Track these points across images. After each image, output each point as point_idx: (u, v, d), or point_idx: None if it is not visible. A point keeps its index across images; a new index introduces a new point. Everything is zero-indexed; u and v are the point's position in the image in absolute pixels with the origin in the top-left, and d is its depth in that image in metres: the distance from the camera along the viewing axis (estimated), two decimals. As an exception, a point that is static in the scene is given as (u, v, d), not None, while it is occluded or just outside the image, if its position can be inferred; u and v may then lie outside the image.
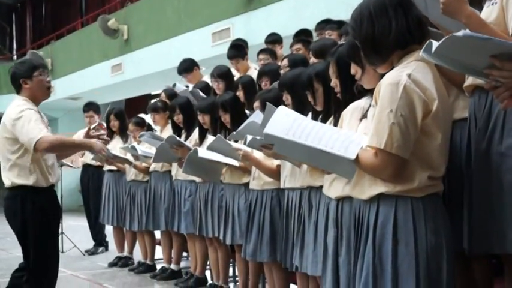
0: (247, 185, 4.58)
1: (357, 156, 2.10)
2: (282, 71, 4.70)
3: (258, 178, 4.31)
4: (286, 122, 2.17)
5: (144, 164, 6.33)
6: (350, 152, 2.09)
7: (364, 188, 2.18)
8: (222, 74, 5.77)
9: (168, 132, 6.04)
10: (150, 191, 6.32)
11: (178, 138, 5.29)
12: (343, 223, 3.05)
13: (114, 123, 7.10)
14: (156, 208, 6.23)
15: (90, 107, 8.01)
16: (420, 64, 2.15)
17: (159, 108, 6.35)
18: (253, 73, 5.84)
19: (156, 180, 6.25)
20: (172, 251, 6.26)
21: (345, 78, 2.88)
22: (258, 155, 4.05)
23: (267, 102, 3.41)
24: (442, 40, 1.81)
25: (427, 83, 2.11)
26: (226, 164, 4.68)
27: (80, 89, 13.26)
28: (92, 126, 7.73)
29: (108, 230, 7.61)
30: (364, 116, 2.65)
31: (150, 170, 6.31)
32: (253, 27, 8.20)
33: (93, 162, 7.51)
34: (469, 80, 2.43)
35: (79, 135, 7.86)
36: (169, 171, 6.04)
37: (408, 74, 2.08)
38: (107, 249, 8.14)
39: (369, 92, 2.59)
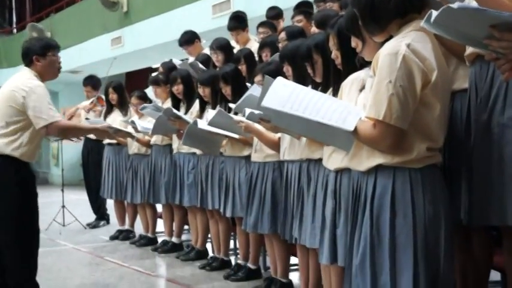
0: (248, 157, 4.57)
1: (355, 127, 2.08)
2: (280, 45, 4.66)
3: (260, 150, 4.30)
4: (283, 94, 2.14)
5: (146, 137, 6.31)
6: (348, 123, 2.07)
7: (362, 160, 2.16)
8: (221, 46, 5.73)
9: (169, 105, 6.00)
10: (151, 165, 6.32)
11: (175, 110, 5.27)
12: (342, 195, 3.05)
13: (113, 97, 7.06)
14: (157, 181, 6.24)
15: (89, 81, 7.98)
16: (419, 34, 2.12)
17: (160, 80, 6.31)
18: (253, 45, 5.80)
19: (157, 153, 6.24)
20: (174, 224, 6.28)
21: (347, 50, 2.84)
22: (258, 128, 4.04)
23: (265, 75, 3.37)
24: (439, 11, 1.78)
25: (426, 52, 2.08)
26: (226, 136, 4.66)
27: (79, 63, 13.16)
28: (90, 100, 7.74)
29: (110, 203, 7.62)
30: (364, 87, 2.62)
31: (151, 143, 6.30)
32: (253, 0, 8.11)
33: (93, 136, 7.48)
34: (470, 49, 2.39)
35: (82, 105, 7.87)
36: (170, 145, 6.02)
37: (407, 44, 2.06)
38: (108, 223, 8.16)
39: (370, 64, 2.56)
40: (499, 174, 2.18)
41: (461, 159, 2.44)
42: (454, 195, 2.33)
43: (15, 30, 19.60)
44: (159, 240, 6.51)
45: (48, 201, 9.19)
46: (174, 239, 6.23)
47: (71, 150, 11.01)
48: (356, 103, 2.60)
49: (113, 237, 7.09)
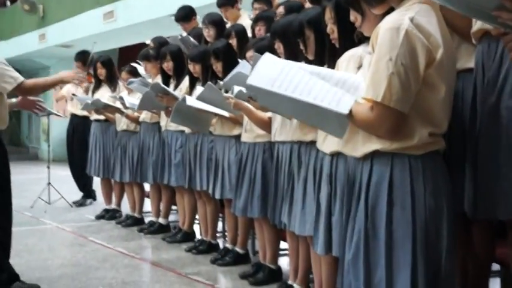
0: (238, 137, 4.37)
1: (350, 110, 1.87)
2: (277, 19, 4.44)
3: (250, 130, 4.10)
4: (272, 72, 1.92)
5: (136, 114, 6.10)
6: (342, 105, 1.86)
7: (357, 145, 1.95)
8: (213, 21, 5.50)
9: (158, 81, 5.79)
10: (139, 142, 6.12)
11: (163, 85, 5.06)
12: (338, 180, 2.85)
13: (101, 72, 6.83)
14: (145, 160, 6.04)
15: (80, 57, 7.74)
16: (424, 7, 1.91)
17: (151, 56, 6.09)
18: (245, 21, 5.58)
19: (145, 131, 6.04)
20: (161, 204, 6.09)
21: (344, 24, 2.63)
22: (248, 106, 3.83)
23: (254, 52, 3.16)
24: None
25: (431, 28, 1.87)
26: (216, 114, 4.46)
27: (72, 37, 12.88)
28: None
29: (96, 181, 7.43)
30: (362, 65, 2.41)
31: (139, 120, 6.09)
32: (249, -26, 7.84)
33: (79, 112, 7.28)
34: (478, 25, 2.18)
35: (65, 91, 7.65)
36: (159, 123, 5.81)
37: (410, 18, 1.84)
38: (95, 200, 7.97)
39: (369, 40, 2.36)
40: (507, 163, 1.98)
41: (464, 145, 2.24)
42: (455, 184, 2.13)
43: (8, 3, 19.20)
44: (146, 220, 6.33)
45: (35, 177, 9.05)
46: (161, 220, 6.04)
47: (60, 125, 10.77)
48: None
49: (99, 217, 6.90)
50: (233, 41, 4.84)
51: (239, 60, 4.50)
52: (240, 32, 4.95)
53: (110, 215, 6.85)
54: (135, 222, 6.40)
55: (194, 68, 4.99)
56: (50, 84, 4.19)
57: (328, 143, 2.89)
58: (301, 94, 1.87)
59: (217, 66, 4.59)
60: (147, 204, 6.46)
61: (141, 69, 6.45)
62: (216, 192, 4.64)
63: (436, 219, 1.87)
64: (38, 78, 4.18)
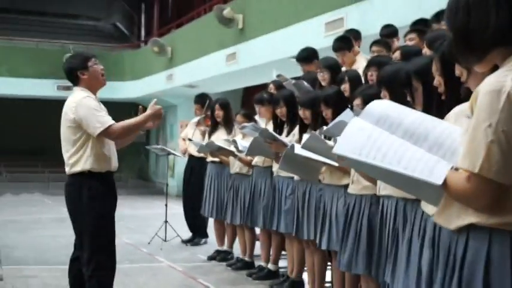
0: (347, 187, 4.21)
1: (445, 179, 1.69)
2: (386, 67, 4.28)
3: (356, 182, 3.94)
4: (359, 139, 1.80)
5: (249, 157, 6.12)
6: (436, 174, 1.68)
7: (452, 217, 1.75)
8: (328, 65, 5.41)
9: (271, 125, 5.79)
10: (252, 186, 6.11)
11: (272, 131, 5.03)
12: (441, 244, 2.62)
13: (219, 113, 6.96)
14: (256, 204, 6.02)
15: (198, 100, 7.98)
16: None
17: (265, 100, 6.11)
18: (362, 65, 5.45)
19: (257, 175, 6.03)
20: (271, 249, 6.02)
21: (451, 77, 2.44)
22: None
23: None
24: None
25: None
26: (325, 163, 4.34)
27: (196, 77, 13.33)
28: (196, 119, 7.71)
29: (210, 221, 7.52)
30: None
31: (252, 164, 6.10)
32: (367, 17, 7.73)
33: (196, 154, 7.43)
34: None
35: (192, 123, 7.87)
36: (271, 167, 5.78)
37: None
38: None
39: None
40: None
41: None
42: None
43: (143, 44, 20.30)
44: (257, 264, 6.27)
45: (159, 212, 9.33)
46: (270, 266, 5.96)
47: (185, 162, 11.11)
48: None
49: (211, 258, 6.95)
50: (346, 86, 4.73)
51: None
52: (353, 77, 4.82)
53: (221, 256, 6.88)
54: (245, 265, 6.37)
55: (304, 113, 4.92)
56: (138, 124, 4.11)
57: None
58: (390, 163, 1.73)
59: (327, 113, 4.49)
60: (259, 248, 6.41)
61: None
62: (322, 243, 4.49)
63: (542, 306, 1.63)
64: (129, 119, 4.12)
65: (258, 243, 6.39)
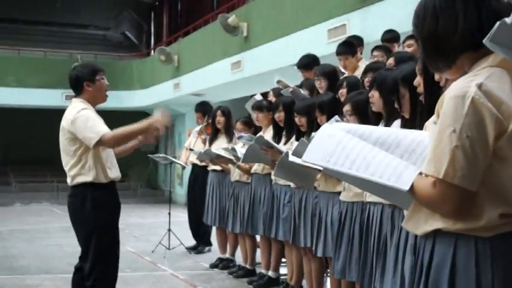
0: (342, 193, 4.22)
1: (413, 185, 1.69)
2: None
3: (347, 189, 3.95)
4: (328, 146, 1.80)
5: (247, 165, 6.13)
6: (403, 180, 1.68)
7: (420, 222, 1.75)
8: (324, 72, 5.40)
9: (270, 132, 5.81)
10: (251, 194, 6.12)
11: (267, 139, 5.03)
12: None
13: (220, 120, 6.98)
14: (256, 211, 6.02)
15: (200, 108, 8.03)
16: (496, 71, 1.69)
17: (264, 106, 6.13)
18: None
19: (257, 182, 6.03)
20: (271, 256, 6.01)
21: (431, 78, 2.45)
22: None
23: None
24: (495, 27, 1.44)
25: (503, 94, 1.64)
26: (320, 170, 4.34)
27: (203, 86, 13.38)
28: (198, 128, 7.73)
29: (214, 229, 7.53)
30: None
31: (251, 171, 6.10)
32: (369, 24, 7.73)
33: (200, 162, 7.45)
34: None
35: (195, 132, 7.89)
36: (271, 174, 5.78)
37: (478, 84, 1.63)
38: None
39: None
40: None
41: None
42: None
43: (152, 52, 20.36)
44: (258, 271, 6.27)
45: (162, 220, 9.35)
46: (270, 273, 5.96)
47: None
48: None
49: (213, 266, 6.96)
50: (343, 91, 4.72)
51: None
52: (352, 83, 4.81)
53: (223, 264, 6.88)
54: (247, 273, 6.37)
55: (300, 120, 4.93)
56: (136, 132, 4.05)
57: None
58: (358, 170, 1.73)
59: (322, 120, 4.49)
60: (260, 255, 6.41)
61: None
62: (318, 250, 4.49)
63: (505, 312, 1.63)
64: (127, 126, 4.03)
65: (259, 251, 6.39)
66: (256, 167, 5.99)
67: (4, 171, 18.53)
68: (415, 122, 2.81)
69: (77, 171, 3.97)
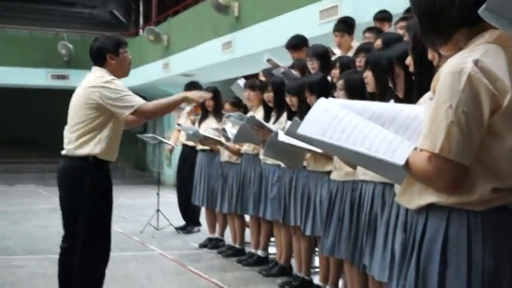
0: (331, 173, 4.23)
1: (408, 160, 1.70)
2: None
3: (338, 168, 3.97)
4: (324, 119, 1.79)
5: (236, 146, 6.13)
6: (398, 155, 1.69)
7: (414, 196, 1.76)
8: (316, 53, 5.40)
9: (259, 112, 5.80)
10: (240, 174, 6.12)
11: (259, 118, 5.03)
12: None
13: (209, 102, 6.94)
14: (245, 191, 6.03)
15: (187, 89, 7.93)
16: (492, 47, 1.69)
17: (256, 85, 6.11)
18: (355, 53, 5.46)
19: (246, 163, 6.03)
20: (260, 236, 6.04)
21: (420, 57, 2.46)
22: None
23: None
24: None
25: (498, 71, 1.65)
26: (309, 150, 4.35)
27: (192, 66, 13.29)
28: (188, 109, 7.69)
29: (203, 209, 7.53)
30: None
31: (241, 152, 6.10)
32: (361, 5, 7.72)
33: (189, 143, 7.43)
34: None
35: (184, 113, 7.86)
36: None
37: (475, 60, 1.64)
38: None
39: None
40: None
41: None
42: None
43: (141, 31, 20.15)
44: (247, 251, 6.30)
45: (151, 201, 9.34)
46: (259, 252, 5.99)
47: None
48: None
49: (202, 245, 6.98)
50: (336, 72, 4.72)
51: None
52: (345, 64, 4.81)
53: (212, 244, 6.91)
54: (236, 252, 6.40)
55: (291, 100, 4.93)
56: (172, 104, 4.02)
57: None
58: (354, 144, 1.73)
59: (312, 100, 4.49)
60: (249, 235, 6.43)
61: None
62: (307, 229, 4.53)
63: (496, 284, 1.64)
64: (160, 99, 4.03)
65: (248, 230, 6.42)
66: (246, 147, 5.99)
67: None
68: (410, 101, 2.81)
69: (84, 141, 3.77)
